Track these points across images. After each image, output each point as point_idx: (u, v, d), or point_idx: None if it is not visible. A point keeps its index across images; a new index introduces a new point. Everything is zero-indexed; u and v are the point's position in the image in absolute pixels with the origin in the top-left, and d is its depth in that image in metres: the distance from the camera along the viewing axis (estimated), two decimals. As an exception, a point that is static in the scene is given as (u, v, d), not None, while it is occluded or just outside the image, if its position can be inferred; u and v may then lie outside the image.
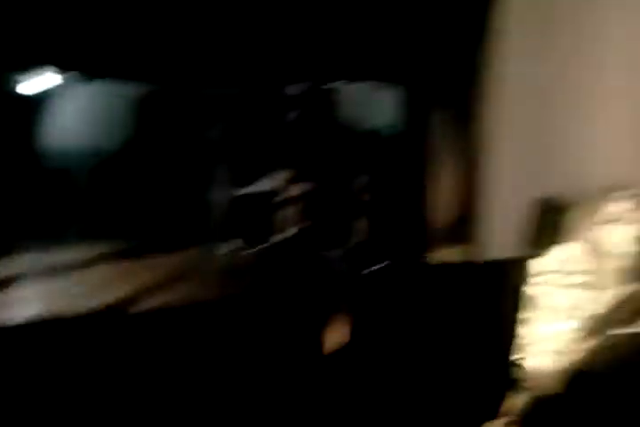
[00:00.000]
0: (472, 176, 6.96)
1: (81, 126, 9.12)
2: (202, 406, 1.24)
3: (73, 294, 4.94)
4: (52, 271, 5.99)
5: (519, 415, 2.02)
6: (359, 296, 1.53)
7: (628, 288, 2.40)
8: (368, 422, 1.54)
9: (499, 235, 5.02)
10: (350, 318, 1.51)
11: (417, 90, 9.56)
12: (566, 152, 4.57)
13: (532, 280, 2.55)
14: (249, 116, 8.13)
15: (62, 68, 7.72)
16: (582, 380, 1.68)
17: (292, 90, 8.92)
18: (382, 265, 1.51)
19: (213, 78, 9.60)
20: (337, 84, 9.00)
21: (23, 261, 6.25)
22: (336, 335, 1.50)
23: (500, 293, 1.75)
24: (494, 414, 1.87)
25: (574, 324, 2.51)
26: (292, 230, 7.47)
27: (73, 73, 7.91)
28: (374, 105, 10.95)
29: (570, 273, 2.62)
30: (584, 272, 2.56)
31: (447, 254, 6.04)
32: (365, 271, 1.47)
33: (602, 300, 2.47)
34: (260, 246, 7.28)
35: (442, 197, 8.68)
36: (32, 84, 6.63)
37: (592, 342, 2.41)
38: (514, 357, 2.45)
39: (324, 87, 8.78)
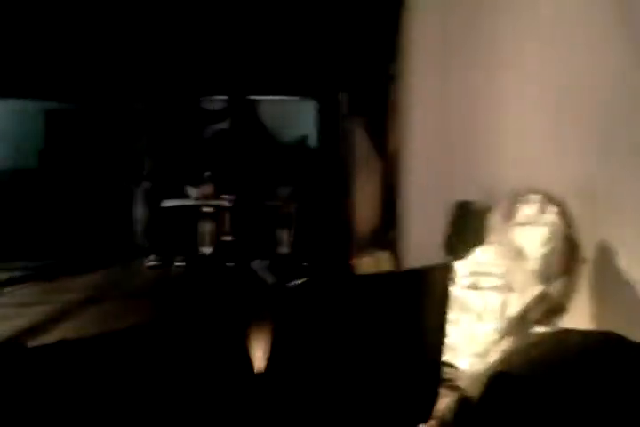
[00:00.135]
0: (391, 184, 7.08)
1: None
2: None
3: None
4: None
5: (448, 417, 2.07)
6: (283, 306, 1.52)
7: (541, 289, 2.48)
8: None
9: (419, 240, 5.12)
10: (274, 327, 1.50)
11: (335, 102, 9.67)
12: (478, 157, 4.70)
13: (452, 283, 2.60)
14: (170, 130, 8.03)
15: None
16: (500, 381, 1.73)
17: (213, 104, 8.87)
18: (307, 277, 1.50)
19: (136, 93, 9.44)
20: (258, 98, 9.02)
21: None
22: (260, 346, 1.49)
23: (426, 298, 1.78)
24: (427, 417, 1.90)
25: (491, 325, 2.57)
26: (217, 242, 7.41)
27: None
28: (295, 118, 11.00)
29: (484, 275, 2.68)
30: (498, 274, 2.63)
31: (371, 261, 6.12)
32: (290, 283, 1.46)
33: (516, 301, 2.54)
34: (184, 259, 7.19)
35: (363, 206, 8.77)
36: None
37: (509, 343, 2.49)
38: (445, 358, 2.49)
39: (245, 101, 8.77)
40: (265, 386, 1.49)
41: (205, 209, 7.25)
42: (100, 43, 7.67)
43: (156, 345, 1.34)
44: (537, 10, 3.44)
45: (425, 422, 1.88)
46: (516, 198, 2.74)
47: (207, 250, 7.18)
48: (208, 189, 7.32)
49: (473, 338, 2.66)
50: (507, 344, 2.49)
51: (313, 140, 10.53)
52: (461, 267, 2.79)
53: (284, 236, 7.65)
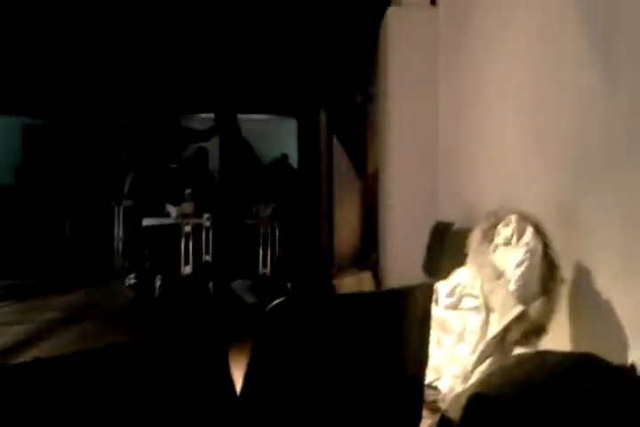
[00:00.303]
0: (370, 204, 7.11)
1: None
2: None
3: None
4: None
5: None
6: (263, 326, 1.52)
7: (520, 309, 2.49)
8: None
9: (400, 260, 5.14)
10: (253, 347, 1.49)
11: (316, 121, 9.71)
12: (459, 179, 4.75)
13: (434, 304, 2.61)
14: (151, 148, 8.01)
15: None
16: (480, 402, 1.73)
17: (196, 123, 8.89)
18: (287, 296, 1.50)
19: (116, 111, 9.43)
20: (239, 118, 9.05)
21: None
22: (241, 367, 1.49)
23: (408, 318, 1.78)
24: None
25: (471, 346, 2.59)
26: (198, 261, 7.37)
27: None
28: (275, 136, 11.02)
29: (464, 296, 2.70)
30: (478, 295, 2.65)
31: (352, 282, 6.12)
32: (271, 303, 1.46)
33: (496, 322, 2.56)
34: (164, 278, 7.14)
35: (344, 226, 8.78)
36: None
37: (489, 364, 2.50)
38: (429, 379, 2.49)
39: (229, 120, 8.79)
40: (243, 407, 1.48)
41: (186, 228, 7.22)
42: (81, 59, 7.67)
43: (135, 365, 1.33)
44: (517, 34, 3.51)
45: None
46: (496, 219, 2.77)
47: (187, 269, 7.15)
48: (188, 207, 7.30)
49: (454, 359, 2.67)
50: (486, 365, 2.50)
51: (293, 159, 10.57)
52: (442, 287, 2.81)
53: (265, 255, 7.64)
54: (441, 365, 2.67)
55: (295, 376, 1.53)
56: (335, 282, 6.43)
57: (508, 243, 2.64)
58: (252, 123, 9.55)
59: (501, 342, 2.53)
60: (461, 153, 4.69)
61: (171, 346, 1.39)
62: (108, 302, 6.67)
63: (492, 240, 2.70)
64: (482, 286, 2.63)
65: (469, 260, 2.79)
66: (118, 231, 9.18)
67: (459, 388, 2.55)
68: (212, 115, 9.01)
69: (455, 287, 2.73)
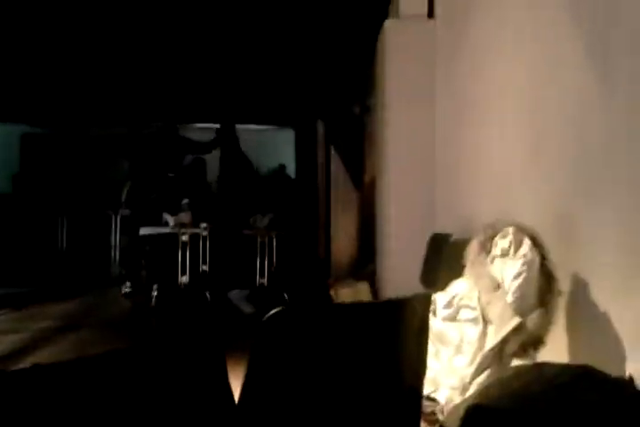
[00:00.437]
0: (367, 215, 7.12)
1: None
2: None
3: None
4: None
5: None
6: (260, 336, 1.52)
7: (517, 321, 2.49)
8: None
9: (398, 271, 5.14)
10: (250, 357, 1.49)
11: (313, 132, 9.73)
12: (456, 190, 4.75)
13: (432, 315, 2.61)
14: (149, 157, 8.01)
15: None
16: (478, 414, 1.73)
17: (196, 133, 8.89)
18: (285, 306, 1.50)
19: (115, 119, 9.43)
20: (238, 128, 9.06)
21: None
22: (238, 376, 1.48)
23: (405, 329, 1.77)
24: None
25: (469, 358, 2.58)
26: (195, 271, 7.35)
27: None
28: (273, 146, 11.03)
29: (462, 307, 2.70)
30: (475, 307, 2.65)
31: (350, 292, 6.11)
32: (268, 313, 1.46)
33: (493, 333, 2.56)
34: (161, 287, 7.12)
35: (341, 236, 8.78)
36: None
37: (487, 376, 2.50)
38: (427, 391, 2.49)
39: (228, 131, 8.81)
40: (241, 416, 1.48)
41: (183, 238, 7.21)
42: (80, 67, 7.69)
43: (135, 373, 1.33)
44: (517, 46, 3.52)
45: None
46: (493, 231, 2.77)
47: (184, 279, 7.13)
48: (186, 217, 7.30)
49: (451, 371, 2.67)
50: (484, 377, 2.50)
51: (291, 170, 10.58)
52: (440, 299, 2.81)
53: (263, 265, 7.63)
54: (439, 376, 2.67)
55: (293, 386, 1.52)
56: (332, 292, 6.42)
57: (505, 254, 2.65)
58: (249, 133, 9.56)
59: (499, 353, 2.53)
60: (459, 164, 4.70)
61: (169, 355, 1.39)
62: (104, 311, 6.65)
63: (490, 252, 2.70)
64: (479, 298, 2.63)
65: (467, 271, 2.79)
66: (115, 240, 9.17)
67: (457, 399, 2.55)
68: (209, 124, 9.02)
69: (453, 298, 2.73)
